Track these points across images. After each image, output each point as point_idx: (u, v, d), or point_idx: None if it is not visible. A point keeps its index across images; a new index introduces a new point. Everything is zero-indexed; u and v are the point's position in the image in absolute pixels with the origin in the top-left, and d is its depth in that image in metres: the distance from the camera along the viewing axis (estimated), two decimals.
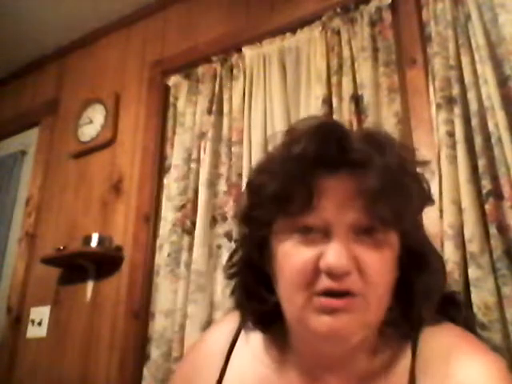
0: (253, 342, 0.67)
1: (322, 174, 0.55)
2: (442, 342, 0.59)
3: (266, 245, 0.61)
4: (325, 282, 0.53)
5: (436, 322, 0.62)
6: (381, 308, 0.57)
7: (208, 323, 1.43)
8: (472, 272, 1.07)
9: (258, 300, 0.63)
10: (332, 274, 0.53)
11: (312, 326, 0.54)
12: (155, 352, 1.48)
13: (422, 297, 0.59)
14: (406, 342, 0.60)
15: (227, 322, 0.73)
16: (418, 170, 0.61)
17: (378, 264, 0.55)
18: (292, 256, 0.56)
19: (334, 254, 0.53)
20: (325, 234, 0.55)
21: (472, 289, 1.06)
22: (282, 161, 0.57)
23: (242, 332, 0.69)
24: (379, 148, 0.56)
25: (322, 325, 0.54)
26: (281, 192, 0.55)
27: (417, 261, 0.60)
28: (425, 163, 0.62)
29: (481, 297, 1.04)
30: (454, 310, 0.68)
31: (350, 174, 0.55)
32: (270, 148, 0.64)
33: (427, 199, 0.62)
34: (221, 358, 0.67)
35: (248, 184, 0.63)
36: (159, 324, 1.52)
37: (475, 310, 1.04)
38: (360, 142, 0.56)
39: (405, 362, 0.59)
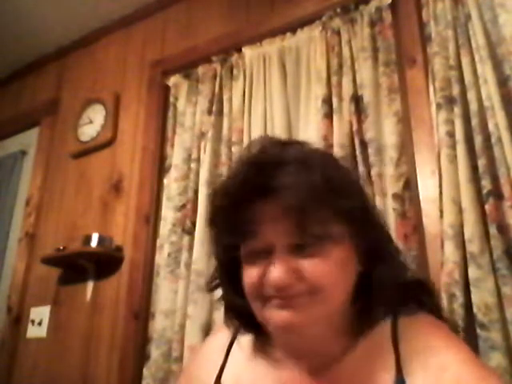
0: (244, 343, 0.77)
1: (257, 202, 0.64)
2: (420, 330, 0.66)
3: (238, 262, 0.70)
4: (271, 293, 0.63)
5: (410, 309, 0.70)
6: (335, 300, 0.64)
7: (208, 323, 1.43)
8: (472, 272, 1.07)
9: (238, 308, 0.73)
10: (275, 288, 0.62)
11: (272, 321, 0.64)
12: (155, 352, 1.48)
13: (380, 285, 0.67)
14: (384, 325, 0.68)
15: (224, 330, 0.82)
16: (349, 177, 0.70)
17: (320, 267, 0.62)
18: (247, 273, 0.66)
19: (274, 272, 0.62)
20: (268, 253, 0.64)
21: (472, 289, 1.06)
22: (225, 196, 0.66)
23: (237, 336, 0.79)
24: (305, 169, 0.62)
25: (278, 318, 0.63)
26: (228, 225, 0.66)
27: (372, 255, 0.68)
28: (355, 172, 0.71)
29: (481, 297, 1.04)
30: (425, 296, 0.74)
31: (278, 199, 0.62)
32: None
33: (365, 199, 0.71)
34: (220, 358, 0.78)
35: (208, 215, 0.73)
36: (159, 324, 1.51)
37: (475, 310, 1.04)
38: (287, 167, 0.63)
39: (386, 336, 0.67)
